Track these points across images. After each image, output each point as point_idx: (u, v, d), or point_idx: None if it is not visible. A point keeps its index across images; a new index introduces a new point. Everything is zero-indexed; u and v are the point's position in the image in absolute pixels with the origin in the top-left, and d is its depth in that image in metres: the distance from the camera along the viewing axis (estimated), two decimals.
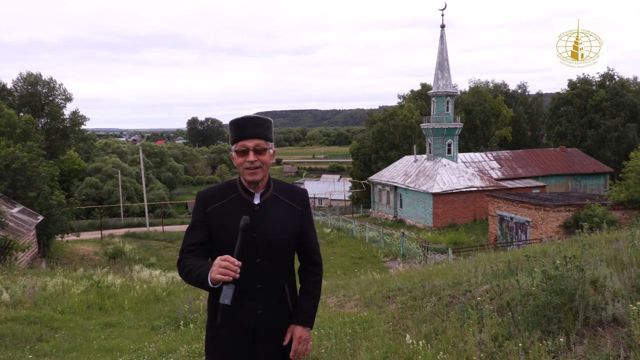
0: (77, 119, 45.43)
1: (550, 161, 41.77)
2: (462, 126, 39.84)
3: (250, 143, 2.37)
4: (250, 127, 2.39)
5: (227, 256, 2.19)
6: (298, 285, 2.65)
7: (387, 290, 7.37)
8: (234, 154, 2.43)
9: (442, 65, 38.65)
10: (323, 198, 70.03)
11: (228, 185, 2.52)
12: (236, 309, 2.39)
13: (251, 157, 2.36)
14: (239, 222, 2.28)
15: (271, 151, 2.45)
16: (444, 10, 38.21)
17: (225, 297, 2.16)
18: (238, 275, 2.17)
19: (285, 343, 2.47)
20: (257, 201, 2.45)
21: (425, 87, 56.88)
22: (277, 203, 2.49)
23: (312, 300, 2.57)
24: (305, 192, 2.64)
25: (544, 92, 68.47)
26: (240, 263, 2.19)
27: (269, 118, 2.48)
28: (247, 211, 2.38)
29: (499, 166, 40.34)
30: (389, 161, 48.31)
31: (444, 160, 37.48)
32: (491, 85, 63.88)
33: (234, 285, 2.18)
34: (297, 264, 2.64)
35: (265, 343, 2.45)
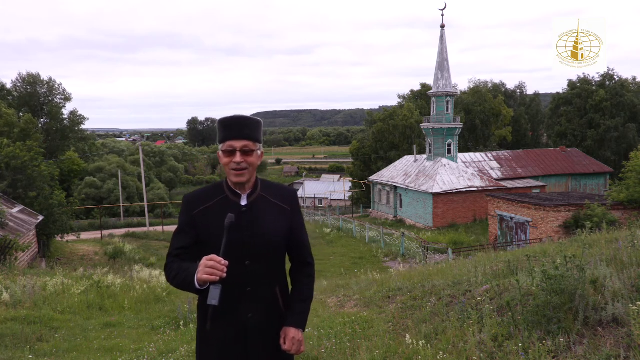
0: (75, 118, 45.45)
1: (550, 161, 41.78)
2: (462, 126, 39.83)
3: (238, 144, 2.33)
4: (238, 127, 2.35)
5: (213, 255, 2.13)
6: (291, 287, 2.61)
7: (387, 290, 7.36)
8: (221, 153, 2.39)
9: (442, 65, 38.65)
10: (323, 198, 70.05)
11: (214, 187, 2.48)
12: (226, 313, 2.36)
13: (238, 158, 2.33)
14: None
15: (259, 152, 2.41)
16: (443, 10, 38.27)
17: (213, 298, 2.09)
18: (225, 275, 2.11)
19: (282, 347, 2.42)
20: (244, 202, 2.41)
21: (425, 87, 56.93)
22: (265, 204, 2.44)
23: (304, 301, 2.52)
24: (294, 191, 2.59)
25: (543, 92, 68.71)
26: (227, 262, 2.13)
27: (259, 119, 2.44)
28: (234, 213, 2.34)
29: (499, 166, 40.34)
30: (389, 161, 48.33)
31: (444, 160, 37.48)
32: (490, 85, 63.91)
33: (221, 286, 2.11)
34: (289, 265, 2.60)
35: (257, 346, 2.41)
